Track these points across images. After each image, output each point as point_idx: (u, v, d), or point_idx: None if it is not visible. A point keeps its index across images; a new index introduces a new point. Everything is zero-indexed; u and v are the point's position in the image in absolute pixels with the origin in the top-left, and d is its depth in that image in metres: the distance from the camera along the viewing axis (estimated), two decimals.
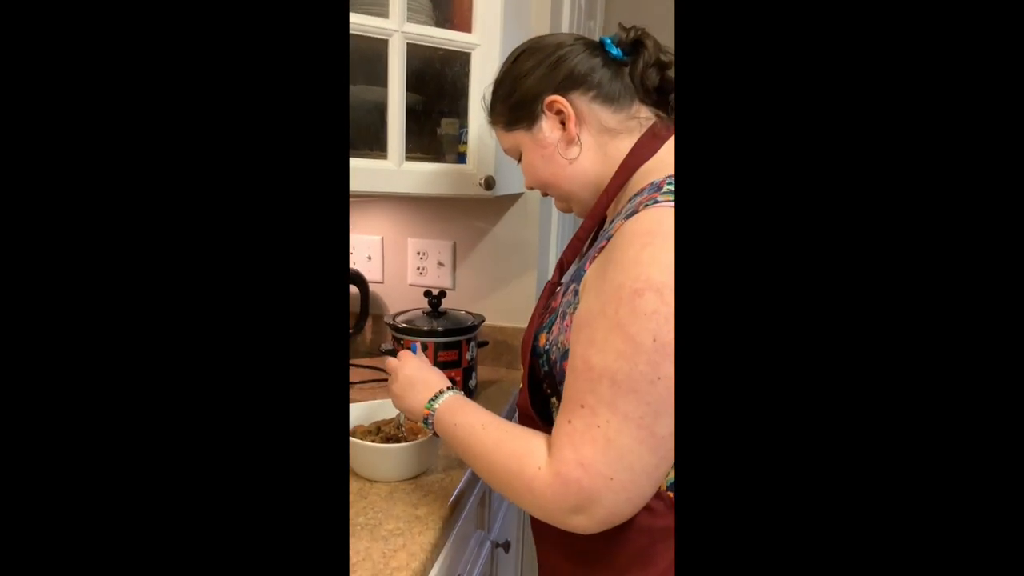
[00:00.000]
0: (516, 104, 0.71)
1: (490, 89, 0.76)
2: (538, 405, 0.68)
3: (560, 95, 0.69)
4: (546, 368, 0.65)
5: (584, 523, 0.56)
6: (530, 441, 0.60)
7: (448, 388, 0.72)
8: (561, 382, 0.63)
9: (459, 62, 1.01)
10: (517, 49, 0.73)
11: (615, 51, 0.70)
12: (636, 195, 0.63)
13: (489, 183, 1.00)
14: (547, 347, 0.66)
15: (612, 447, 0.54)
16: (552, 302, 0.69)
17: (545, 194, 0.78)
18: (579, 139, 0.70)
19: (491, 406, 1.08)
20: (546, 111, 0.70)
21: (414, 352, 0.80)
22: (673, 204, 0.56)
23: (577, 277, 0.63)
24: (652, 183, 0.62)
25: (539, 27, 1.18)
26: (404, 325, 1.08)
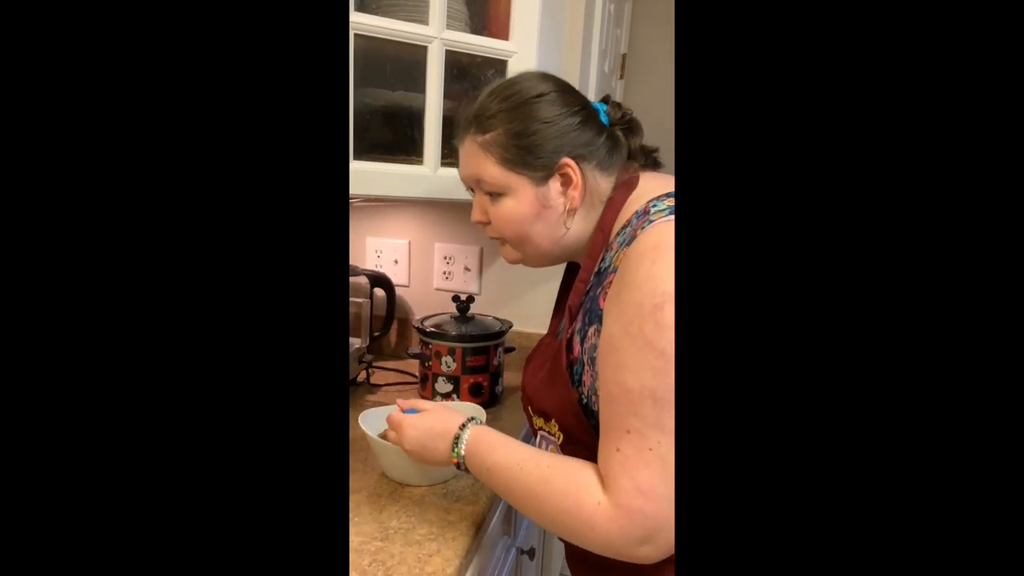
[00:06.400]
0: (529, 148, 0.65)
1: (490, 101, 0.68)
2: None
3: (575, 162, 0.65)
4: (594, 421, 0.62)
5: (651, 553, 0.55)
6: (580, 475, 0.58)
7: (461, 427, 0.69)
8: None
9: (495, 68, 1.02)
10: (539, 82, 0.68)
11: (605, 120, 0.70)
12: (624, 227, 0.63)
13: None
14: (584, 401, 0.63)
15: (668, 467, 0.53)
16: (568, 356, 0.65)
17: (497, 239, 0.73)
18: (579, 210, 0.68)
19: (518, 411, 1.09)
20: (557, 172, 0.66)
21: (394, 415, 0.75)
22: (669, 218, 0.57)
23: (596, 317, 0.62)
24: (636, 212, 0.63)
25: (573, 34, 1.19)
26: (432, 329, 1.08)
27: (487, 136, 0.67)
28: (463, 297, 1.14)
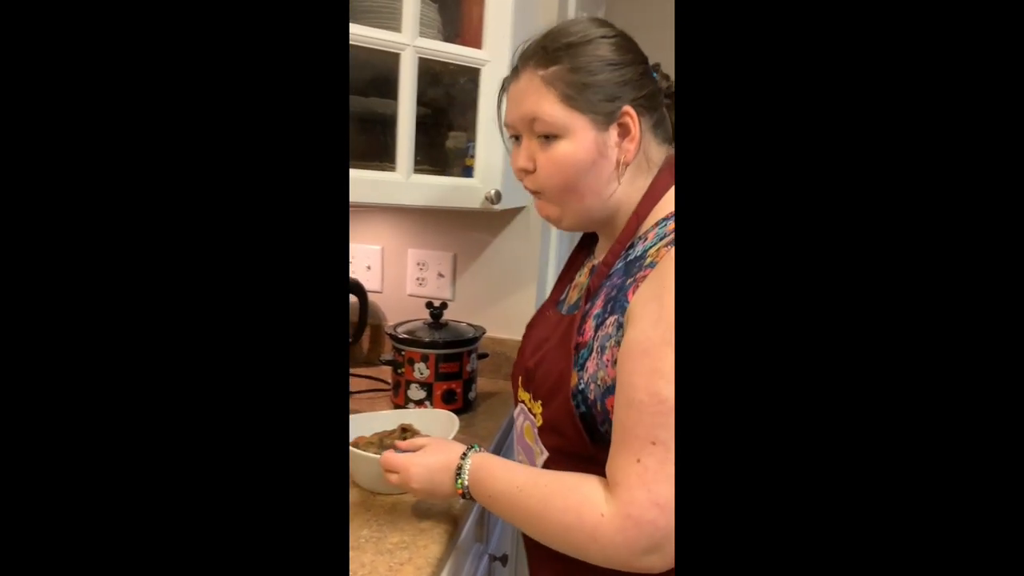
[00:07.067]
0: (594, 87, 0.62)
1: (553, 38, 0.64)
2: (578, 446, 0.63)
3: (636, 113, 0.63)
4: (583, 409, 0.61)
5: (658, 562, 0.54)
6: (580, 489, 0.57)
7: (462, 457, 0.67)
8: (603, 422, 0.60)
9: (467, 76, 1.02)
10: (601, 25, 0.65)
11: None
12: (665, 220, 0.62)
13: (496, 197, 1.01)
14: (581, 386, 0.61)
15: None
16: (577, 337, 0.63)
17: (536, 192, 0.68)
18: (630, 168, 0.65)
19: (491, 418, 1.09)
20: (616, 120, 0.63)
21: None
22: None
23: (619, 308, 0.59)
24: None
25: None
26: (405, 336, 1.08)
27: (550, 70, 0.62)
28: (436, 303, 1.14)
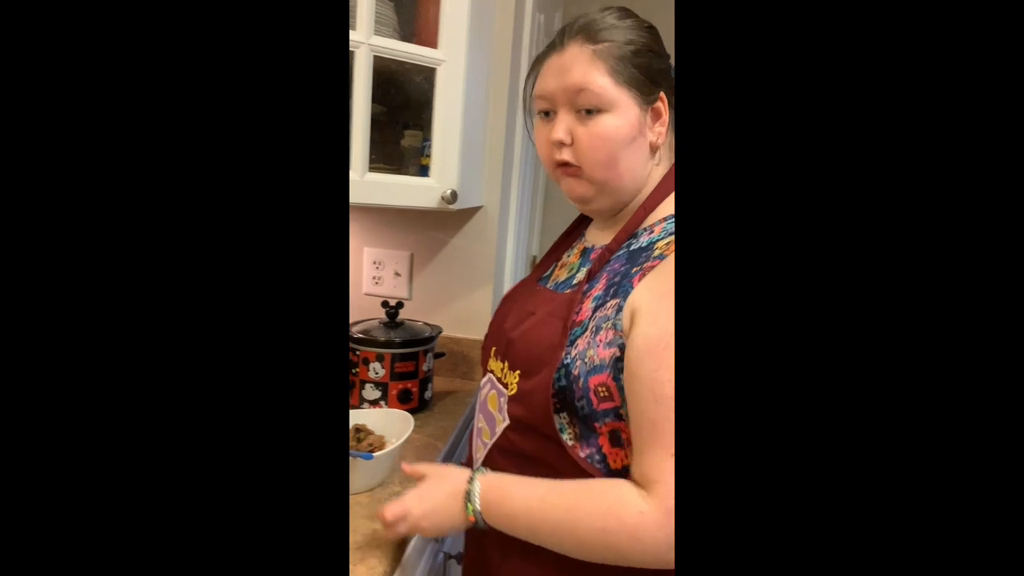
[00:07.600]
0: (640, 67, 0.64)
1: (599, 18, 0.66)
2: (547, 420, 0.63)
3: (667, 100, 0.66)
4: (563, 383, 0.62)
5: None
6: (611, 493, 0.57)
7: (469, 482, 0.65)
8: (581, 398, 0.60)
9: (423, 75, 1.02)
10: (635, 15, 0.68)
11: None
12: (673, 216, 0.64)
13: (452, 197, 1.01)
14: (567, 361, 0.62)
15: None
16: (573, 315, 0.64)
17: (567, 169, 0.67)
18: (659, 150, 0.68)
19: (447, 418, 1.10)
20: (652, 105, 0.66)
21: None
22: None
23: (621, 293, 0.61)
24: None
25: (502, 45, 1.21)
26: (360, 335, 1.07)
27: (601, 45, 0.64)
28: (393, 302, 1.13)
